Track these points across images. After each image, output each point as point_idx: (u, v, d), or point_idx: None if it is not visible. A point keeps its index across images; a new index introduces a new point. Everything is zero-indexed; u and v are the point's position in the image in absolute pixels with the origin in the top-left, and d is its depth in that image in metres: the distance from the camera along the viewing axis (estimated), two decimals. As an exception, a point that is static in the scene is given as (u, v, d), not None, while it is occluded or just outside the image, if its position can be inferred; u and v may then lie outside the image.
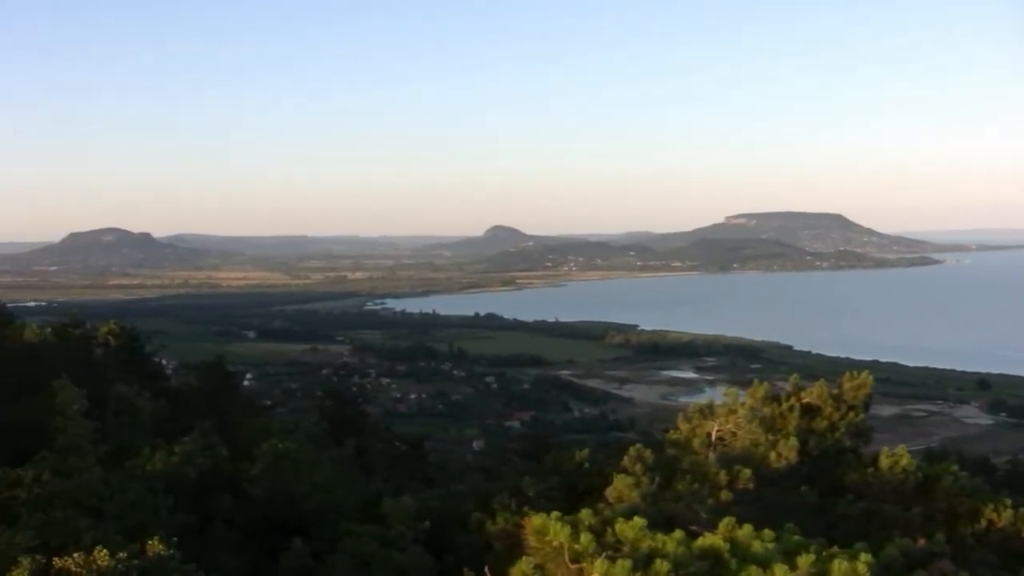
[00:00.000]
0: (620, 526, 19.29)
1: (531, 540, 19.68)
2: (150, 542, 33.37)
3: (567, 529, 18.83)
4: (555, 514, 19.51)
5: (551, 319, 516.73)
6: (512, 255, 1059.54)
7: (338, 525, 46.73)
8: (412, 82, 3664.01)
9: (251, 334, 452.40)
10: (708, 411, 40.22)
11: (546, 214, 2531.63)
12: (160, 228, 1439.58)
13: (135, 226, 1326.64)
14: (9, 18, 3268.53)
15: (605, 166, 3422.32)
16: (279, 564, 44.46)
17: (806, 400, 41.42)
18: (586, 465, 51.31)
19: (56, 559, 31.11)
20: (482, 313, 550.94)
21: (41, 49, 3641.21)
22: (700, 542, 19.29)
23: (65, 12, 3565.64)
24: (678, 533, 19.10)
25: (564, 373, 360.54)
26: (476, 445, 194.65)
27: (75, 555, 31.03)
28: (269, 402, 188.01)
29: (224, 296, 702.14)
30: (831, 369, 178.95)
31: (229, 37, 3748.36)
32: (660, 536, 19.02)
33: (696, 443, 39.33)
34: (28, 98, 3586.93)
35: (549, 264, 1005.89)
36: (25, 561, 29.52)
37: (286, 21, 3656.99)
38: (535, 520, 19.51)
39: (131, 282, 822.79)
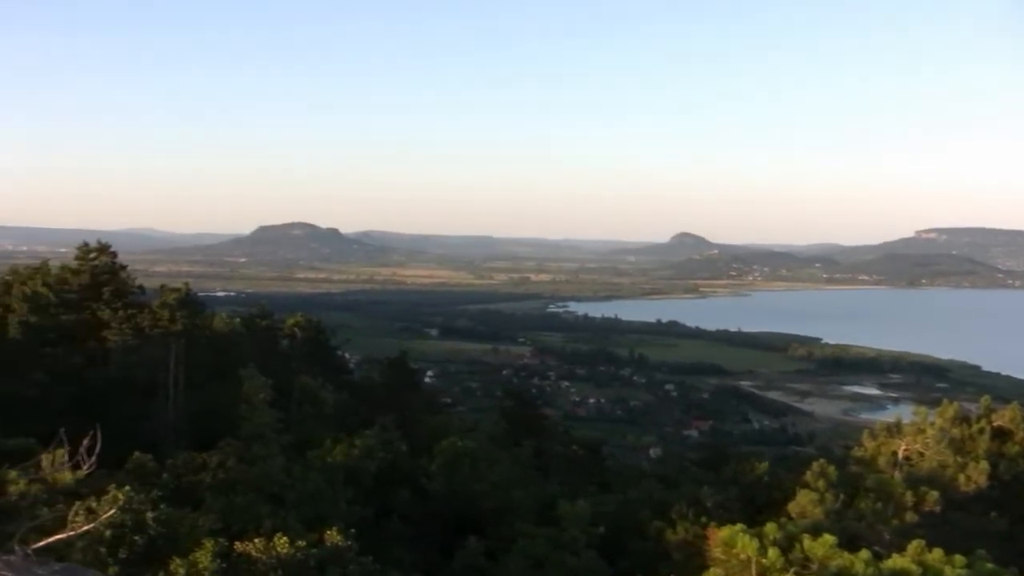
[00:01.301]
0: (808, 543, 18.77)
1: (717, 552, 19.26)
2: (328, 532, 33.86)
3: (755, 543, 18.38)
4: (739, 526, 19.07)
5: (733, 328, 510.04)
6: (697, 262, 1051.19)
7: (513, 525, 46.83)
8: (603, 85, 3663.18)
9: (434, 332, 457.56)
10: (895, 429, 39.21)
11: (732, 222, 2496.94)
12: (348, 224, 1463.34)
13: (324, 221, 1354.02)
14: (214, 29, 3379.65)
15: (794, 176, 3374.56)
16: (453, 561, 44.76)
17: (997, 423, 40.10)
18: (766, 478, 50.55)
19: (237, 543, 31.79)
20: (664, 320, 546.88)
21: (241, 56, 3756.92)
22: (889, 564, 18.62)
23: (256, 19, 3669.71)
24: (864, 553, 18.48)
25: (744, 384, 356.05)
26: (653, 452, 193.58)
27: (256, 540, 31.67)
28: (449, 400, 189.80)
29: (408, 293, 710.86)
30: (1022, 392, 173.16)
31: (422, 39, 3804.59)
32: (847, 555, 18.43)
33: (881, 461, 38.34)
34: (226, 100, 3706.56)
35: (734, 273, 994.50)
36: (208, 543, 30.22)
37: (479, 25, 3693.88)
38: (723, 532, 19.09)
39: (317, 276, 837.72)
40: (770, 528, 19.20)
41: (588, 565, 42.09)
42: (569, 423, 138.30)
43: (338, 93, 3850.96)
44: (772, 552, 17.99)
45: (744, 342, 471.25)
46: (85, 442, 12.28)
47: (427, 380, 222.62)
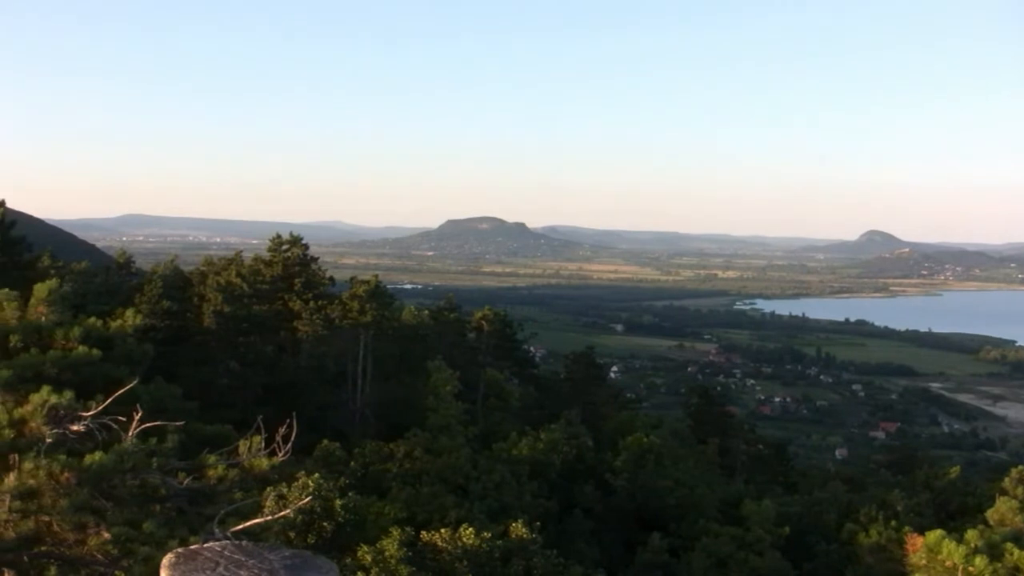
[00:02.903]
0: (1017, 552, 18.18)
1: (919, 557, 18.73)
2: (513, 525, 34.14)
3: (962, 550, 17.84)
4: (941, 532, 18.56)
5: (923, 329, 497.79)
6: (886, 261, 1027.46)
7: (697, 523, 46.61)
8: (790, 84, 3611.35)
9: (619, 327, 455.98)
10: (1097, 436, 37.79)
11: (923, 220, 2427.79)
12: (535, 219, 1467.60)
13: (510, 216, 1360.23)
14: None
15: (989, 173, 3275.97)
16: (636, 557, 44.71)
17: None
18: (958, 483, 49.31)
19: (423, 533, 32.25)
20: (852, 319, 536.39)
21: (434, 54, 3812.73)
22: (1102, 578, 17.95)
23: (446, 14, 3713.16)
24: (1073, 565, 17.84)
25: (934, 386, 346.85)
26: (839, 453, 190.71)
27: (442, 531, 32.09)
28: (633, 396, 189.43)
29: (594, 288, 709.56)
30: None
31: (609, 43, 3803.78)
32: (1057, 567, 17.81)
33: (1084, 471, 37.03)
34: (415, 95, 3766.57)
35: (925, 272, 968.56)
36: (395, 531, 30.72)
37: (670, 27, 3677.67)
38: (930, 536, 18.58)
39: (504, 270, 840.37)
40: (971, 535, 18.62)
41: (772, 566, 41.63)
42: (754, 421, 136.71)
43: (526, 92, 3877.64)
44: (979, 560, 17.44)
45: (934, 343, 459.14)
46: (281, 430, 12.59)
47: (612, 375, 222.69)
